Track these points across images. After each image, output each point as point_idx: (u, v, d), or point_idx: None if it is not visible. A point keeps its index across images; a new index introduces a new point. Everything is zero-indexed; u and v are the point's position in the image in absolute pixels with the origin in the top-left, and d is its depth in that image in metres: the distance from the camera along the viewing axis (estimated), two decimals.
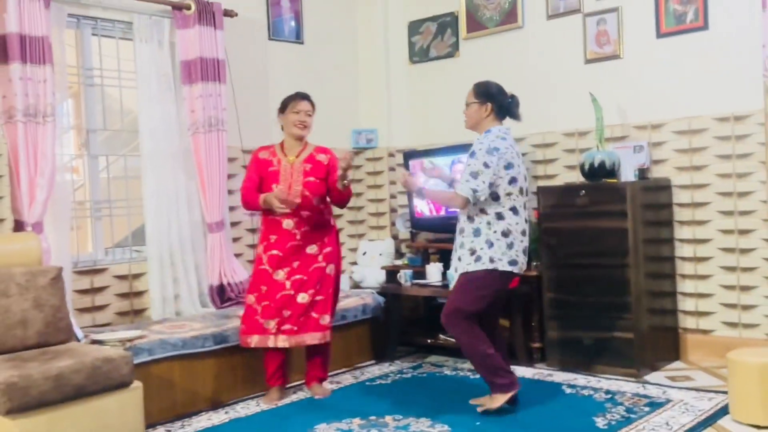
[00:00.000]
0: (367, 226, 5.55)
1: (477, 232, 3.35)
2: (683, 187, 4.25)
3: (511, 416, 3.38)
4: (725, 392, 3.44)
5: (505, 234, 3.32)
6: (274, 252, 3.74)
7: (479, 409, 3.43)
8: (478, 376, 3.58)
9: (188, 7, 4.30)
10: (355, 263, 5.37)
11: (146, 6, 4.21)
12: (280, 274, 3.72)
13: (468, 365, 4.18)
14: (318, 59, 5.24)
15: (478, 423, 3.31)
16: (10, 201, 3.68)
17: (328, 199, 3.85)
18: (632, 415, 3.31)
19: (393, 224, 5.41)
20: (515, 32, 4.88)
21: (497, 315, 3.55)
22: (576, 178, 4.51)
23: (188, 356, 3.62)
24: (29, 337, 3.13)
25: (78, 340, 3.40)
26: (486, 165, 3.28)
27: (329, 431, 3.29)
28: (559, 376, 4.02)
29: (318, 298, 3.75)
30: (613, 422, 3.24)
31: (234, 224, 4.64)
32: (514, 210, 3.34)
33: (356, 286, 5.18)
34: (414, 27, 5.42)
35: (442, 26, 5.27)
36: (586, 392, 3.71)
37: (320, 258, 3.79)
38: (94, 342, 3.40)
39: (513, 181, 3.33)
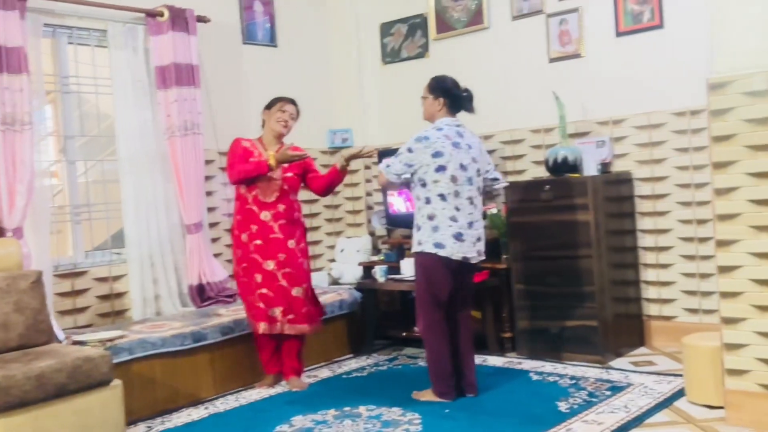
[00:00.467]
0: (344, 224, 5.68)
1: (414, 219, 3.59)
2: (644, 179, 4.41)
3: (478, 403, 3.53)
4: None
5: (431, 218, 3.50)
6: (258, 242, 3.89)
7: (412, 395, 3.66)
8: None
9: (161, 14, 4.40)
10: (333, 260, 5.49)
11: (120, 14, 4.31)
12: (270, 265, 3.89)
13: None
14: (292, 62, 5.36)
15: (447, 411, 3.45)
16: None
17: (299, 195, 4.05)
18: (594, 399, 3.47)
19: (369, 221, 5.55)
20: (482, 33, 5.03)
21: (458, 308, 3.65)
22: (543, 173, 4.65)
23: (168, 354, 3.73)
24: (11, 339, 3.23)
25: (59, 342, 3.50)
26: (409, 150, 3.55)
27: (305, 422, 3.41)
28: (528, 364, 4.17)
29: (309, 291, 4.01)
30: (575, 406, 3.39)
31: (212, 225, 4.76)
32: (442, 197, 3.49)
33: (335, 282, 5.31)
34: (385, 28, 5.54)
35: (412, 27, 5.40)
36: (551, 378, 3.87)
37: (298, 253, 3.96)
38: (75, 343, 3.49)
39: (441, 168, 3.48)
